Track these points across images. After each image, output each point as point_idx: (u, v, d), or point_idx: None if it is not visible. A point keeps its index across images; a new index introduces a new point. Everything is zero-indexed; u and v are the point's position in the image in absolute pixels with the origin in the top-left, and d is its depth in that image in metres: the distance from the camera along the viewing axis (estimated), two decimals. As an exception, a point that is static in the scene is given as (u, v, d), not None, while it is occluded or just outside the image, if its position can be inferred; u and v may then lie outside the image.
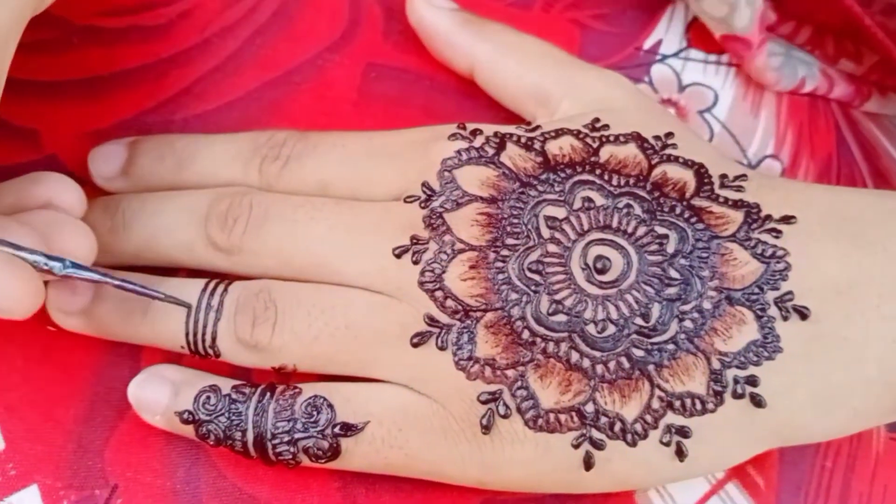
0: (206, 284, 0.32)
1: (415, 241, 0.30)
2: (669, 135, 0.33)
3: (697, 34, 0.41)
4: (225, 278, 0.32)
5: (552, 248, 0.30)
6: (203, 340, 0.31)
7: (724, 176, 0.32)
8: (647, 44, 0.41)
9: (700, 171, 0.32)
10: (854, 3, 0.37)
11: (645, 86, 0.40)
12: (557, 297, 0.29)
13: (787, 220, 0.31)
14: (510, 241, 0.30)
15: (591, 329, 0.29)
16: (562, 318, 0.29)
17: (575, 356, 0.29)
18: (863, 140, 0.41)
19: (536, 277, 0.29)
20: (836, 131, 0.41)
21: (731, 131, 0.40)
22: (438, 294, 0.29)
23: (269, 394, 0.30)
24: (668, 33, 0.41)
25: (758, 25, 0.38)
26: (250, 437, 0.30)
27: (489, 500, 0.32)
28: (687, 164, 0.32)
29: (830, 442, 0.34)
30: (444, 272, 0.30)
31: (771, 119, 0.40)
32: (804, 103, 0.41)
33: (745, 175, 0.32)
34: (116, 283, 0.30)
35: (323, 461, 0.30)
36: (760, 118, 0.40)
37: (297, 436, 0.30)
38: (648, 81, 0.40)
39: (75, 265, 0.28)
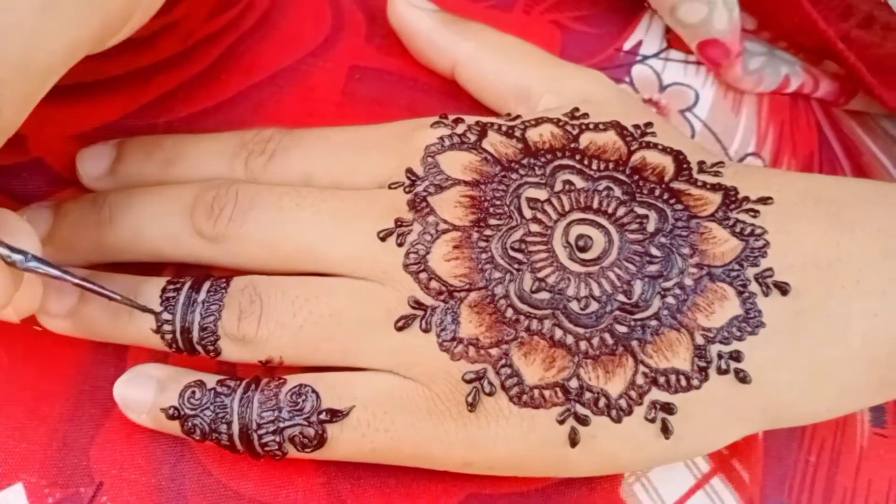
0: (192, 282, 0.32)
1: (399, 223, 0.30)
2: (649, 124, 0.33)
3: (677, 35, 0.41)
4: (210, 274, 0.32)
5: (534, 227, 0.30)
6: (190, 337, 0.31)
7: (702, 162, 0.32)
8: (628, 45, 0.42)
9: (679, 157, 0.32)
10: (828, 27, 0.38)
11: (626, 86, 0.41)
12: (540, 274, 0.29)
13: (764, 200, 0.31)
14: (493, 221, 0.30)
15: (574, 306, 0.29)
16: (545, 295, 0.29)
17: (559, 333, 0.29)
18: (844, 138, 0.41)
19: (519, 256, 0.30)
20: (818, 129, 0.41)
21: (713, 130, 0.40)
22: (423, 276, 0.30)
23: (253, 385, 0.30)
24: (648, 34, 0.42)
25: (736, 32, 0.39)
26: (235, 429, 0.30)
27: (474, 495, 0.32)
28: (666, 150, 0.32)
29: (815, 436, 0.35)
30: (428, 253, 0.30)
31: (752, 118, 0.41)
32: (785, 102, 0.41)
33: (722, 162, 0.33)
34: (76, 281, 0.29)
35: (309, 450, 0.30)
36: (742, 117, 0.41)
37: (282, 425, 0.29)
38: (629, 82, 0.41)
39: (37, 259, 0.28)
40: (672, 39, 0.42)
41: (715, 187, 0.31)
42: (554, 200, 0.31)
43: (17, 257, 0.27)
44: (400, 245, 0.30)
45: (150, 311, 0.31)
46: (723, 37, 0.39)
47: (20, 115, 0.26)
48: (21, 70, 0.25)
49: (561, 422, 0.29)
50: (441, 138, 0.32)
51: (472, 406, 0.29)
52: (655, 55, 0.42)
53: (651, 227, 0.30)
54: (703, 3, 0.38)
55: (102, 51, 0.31)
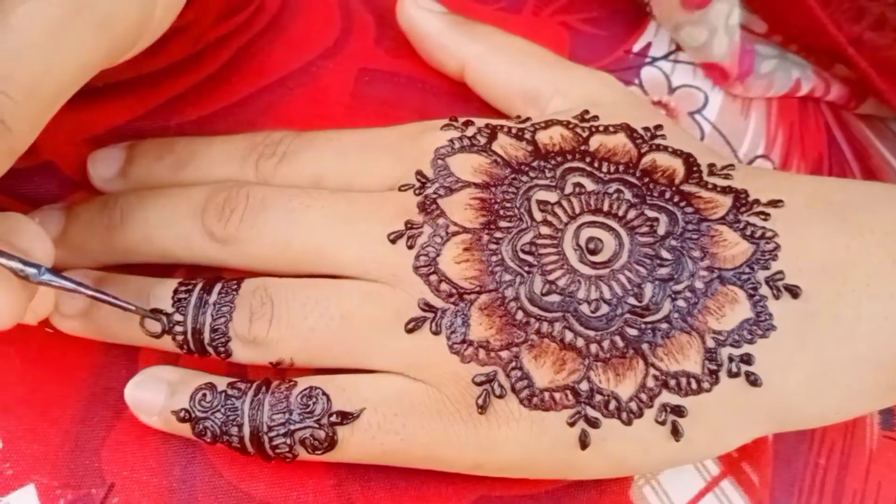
0: (204, 284, 0.32)
1: (409, 225, 0.30)
2: (658, 127, 0.33)
3: (686, 38, 0.41)
4: (221, 276, 0.33)
5: (545, 230, 0.30)
6: (201, 339, 0.31)
7: (712, 165, 0.32)
8: (637, 47, 0.42)
9: (689, 160, 0.32)
10: (838, 32, 0.38)
11: (635, 88, 0.41)
12: (551, 277, 0.29)
13: (774, 203, 0.31)
14: (503, 223, 0.30)
15: (584, 309, 0.29)
16: (555, 298, 0.29)
17: (569, 336, 0.29)
18: (853, 140, 0.41)
19: (529, 258, 0.30)
20: (827, 131, 0.41)
21: (722, 132, 0.40)
22: (433, 278, 0.30)
23: (264, 388, 0.30)
24: (657, 36, 0.42)
25: (735, 56, 0.39)
26: (246, 431, 0.30)
27: (484, 497, 0.32)
28: (676, 153, 0.32)
29: (824, 439, 0.34)
30: (438, 255, 0.30)
31: (761, 120, 0.41)
32: (794, 104, 0.41)
33: (732, 165, 0.33)
34: (90, 293, 0.29)
35: (320, 452, 0.30)
36: (751, 119, 0.41)
37: (292, 427, 0.30)
38: (638, 83, 0.41)
39: (51, 272, 0.28)
40: (681, 42, 0.42)
41: (725, 190, 0.31)
42: (564, 203, 0.31)
43: (30, 271, 0.27)
44: (410, 247, 0.30)
45: (162, 318, 0.31)
46: (722, 61, 0.39)
47: (32, 135, 0.26)
48: (33, 91, 0.25)
49: (571, 424, 0.29)
50: (451, 140, 0.32)
51: (482, 408, 0.29)
52: (664, 57, 0.42)
53: (661, 230, 0.30)
54: (703, 28, 0.38)
55: (130, 58, 0.32)
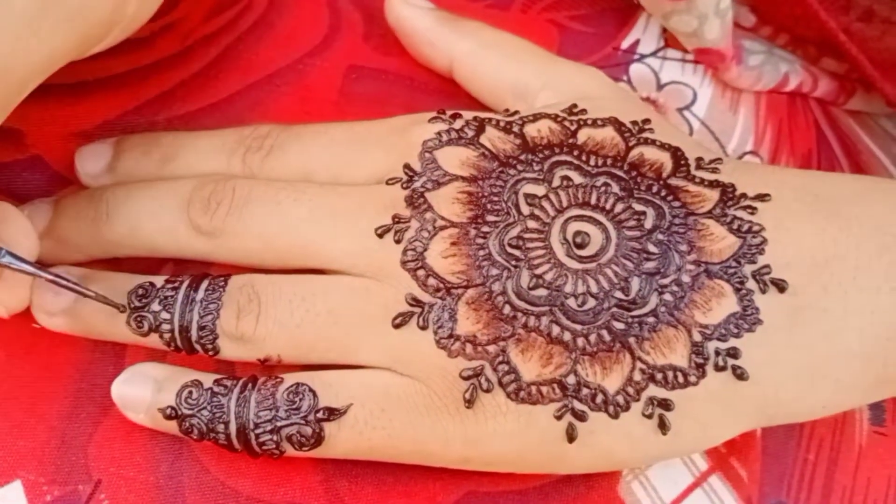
0: (191, 281, 0.32)
1: (396, 219, 0.30)
2: (646, 121, 0.33)
3: (674, 34, 0.41)
4: (208, 273, 0.32)
5: (532, 224, 0.30)
6: (189, 336, 0.31)
7: (699, 159, 0.32)
8: (625, 43, 0.42)
9: (676, 154, 0.32)
10: (829, 18, 0.38)
11: (624, 84, 0.41)
12: (538, 271, 0.29)
13: (761, 197, 0.31)
14: (490, 217, 0.30)
15: (571, 303, 0.29)
16: (542, 292, 0.29)
17: (556, 329, 0.29)
18: (843, 136, 0.41)
19: (517, 253, 0.30)
20: (816, 128, 0.41)
21: (711, 128, 0.40)
22: (420, 273, 0.30)
23: (250, 385, 0.30)
24: (645, 33, 0.42)
25: (729, 38, 0.39)
26: (233, 428, 0.30)
27: (472, 493, 0.32)
28: (664, 146, 0.32)
29: (813, 434, 0.35)
30: (425, 250, 0.30)
31: (750, 116, 0.41)
32: (783, 100, 0.41)
33: (720, 159, 0.33)
34: (50, 277, 0.29)
35: (307, 449, 0.30)
36: (739, 115, 0.41)
37: (279, 424, 0.29)
38: (627, 80, 0.41)
39: (11, 255, 0.28)
40: (669, 38, 0.42)
41: (712, 184, 0.31)
42: (552, 196, 0.31)
43: None
44: (397, 242, 0.30)
45: (123, 307, 0.31)
46: (716, 45, 0.39)
47: None
48: (1, 78, 0.25)
49: (558, 417, 0.29)
50: (438, 133, 0.32)
51: (469, 403, 0.29)
52: (653, 54, 0.42)
53: (648, 224, 0.30)
54: (692, 15, 0.38)
55: (103, 50, 0.32)
